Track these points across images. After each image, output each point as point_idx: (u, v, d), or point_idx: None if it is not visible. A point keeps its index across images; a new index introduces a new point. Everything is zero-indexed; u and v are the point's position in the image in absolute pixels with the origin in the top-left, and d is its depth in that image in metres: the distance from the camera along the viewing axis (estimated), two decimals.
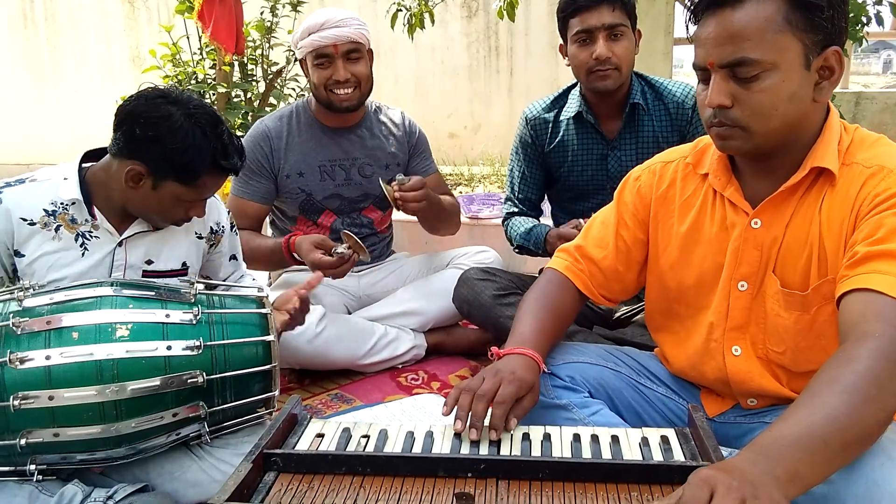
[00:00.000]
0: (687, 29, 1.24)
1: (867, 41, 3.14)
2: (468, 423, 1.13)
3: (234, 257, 1.87)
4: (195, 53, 4.61)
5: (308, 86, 2.34)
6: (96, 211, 1.56)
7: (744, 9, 1.12)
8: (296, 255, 2.16)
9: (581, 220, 1.99)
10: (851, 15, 2.78)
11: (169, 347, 1.32)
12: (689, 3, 1.22)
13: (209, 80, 4.40)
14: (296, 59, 4.42)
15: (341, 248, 2.06)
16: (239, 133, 4.20)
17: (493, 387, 1.18)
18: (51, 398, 1.24)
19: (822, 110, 1.22)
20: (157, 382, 1.30)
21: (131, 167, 1.48)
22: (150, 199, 1.52)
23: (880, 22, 3.05)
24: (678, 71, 5.50)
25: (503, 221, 2.39)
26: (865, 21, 2.94)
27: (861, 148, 1.21)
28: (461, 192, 4.20)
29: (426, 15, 3.48)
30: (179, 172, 1.49)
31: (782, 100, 1.14)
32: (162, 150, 1.46)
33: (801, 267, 1.23)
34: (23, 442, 1.25)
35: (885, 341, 0.97)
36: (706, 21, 1.17)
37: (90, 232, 1.56)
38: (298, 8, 4.54)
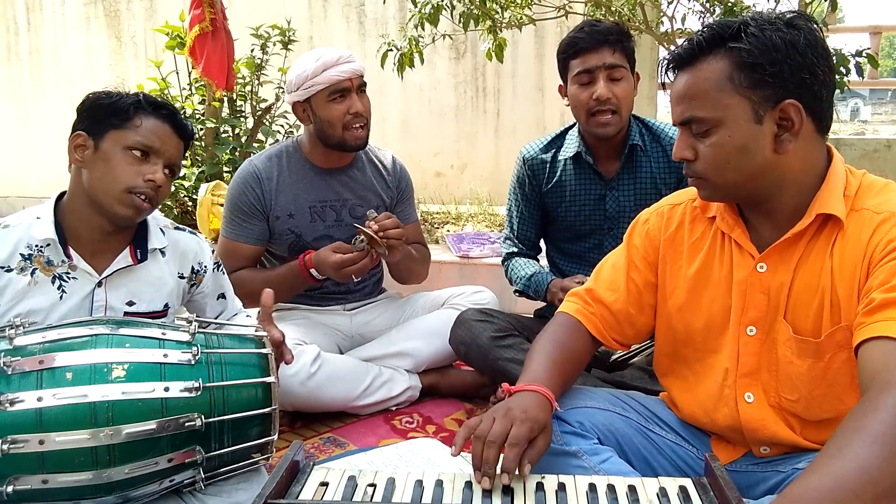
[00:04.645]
0: (663, 86, 1.31)
1: (849, 89, 3.21)
2: (482, 472, 1.10)
3: (221, 296, 1.81)
4: (184, 89, 4.60)
5: (298, 123, 2.33)
6: (72, 251, 1.52)
7: (692, 71, 1.21)
8: (313, 270, 2.16)
9: (584, 277, 1.97)
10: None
11: (167, 389, 1.27)
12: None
13: (198, 116, 4.38)
14: (282, 99, 4.47)
15: (359, 242, 2.08)
16: (226, 169, 4.22)
17: (503, 429, 1.15)
18: (41, 442, 1.18)
19: (800, 160, 1.20)
20: (154, 426, 1.24)
21: (72, 141, 1.52)
22: (98, 166, 1.50)
23: (860, 73, 3.11)
24: (659, 115, 5.58)
25: (503, 261, 2.38)
26: (845, 71, 3.00)
27: (870, 194, 1.22)
28: (449, 231, 4.18)
29: (416, 55, 3.50)
30: (111, 116, 1.51)
31: (732, 153, 1.19)
32: (90, 106, 1.53)
33: (813, 314, 1.22)
34: (10, 489, 1.18)
35: None
36: (672, 82, 1.26)
37: (67, 273, 1.51)
38: (289, 46, 4.55)
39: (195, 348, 1.34)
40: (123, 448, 1.22)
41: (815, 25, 1.19)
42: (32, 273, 1.48)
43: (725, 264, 1.32)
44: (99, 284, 1.53)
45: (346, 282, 2.20)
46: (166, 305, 1.63)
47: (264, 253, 2.38)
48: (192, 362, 1.32)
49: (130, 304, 1.57)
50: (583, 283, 1.88)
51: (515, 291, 2.31)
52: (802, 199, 1.22)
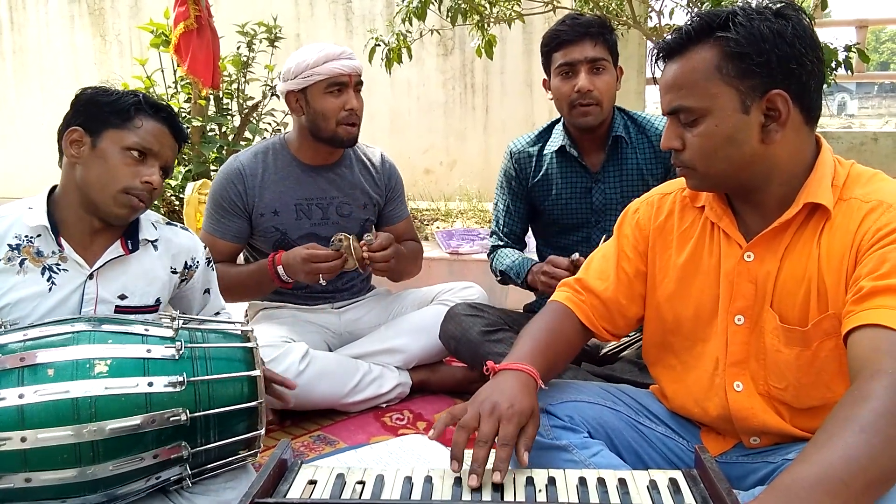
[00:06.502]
0: (654, 80, 1.30)
1: (836, 83, 3.21)
2: (470, 469, 1.08)
3: (207, 291, 1.80)
4: (170, 87, 4.57)
5: (286, 121, 2.31)
6: (63, 242, 1.49)
7: (680, 61, 1.21)
8: (280, 269, 2.12)
9: (578, 256, 1.96)
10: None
11: (150, 384, 1.25)
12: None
13: (184, 114, 4.35)
14: (272, 95, 4.45)
15: (336, 242, 2.06)
16: (213, 167, 4.19)
17: (491, 429, 1.13)
18: (23, 440, 1.16)
19: (787, 150, 1.20)
20: (138, 421, 1.23)
21: (67, 136, 1.50)
22: (95, 165, 1.48)
23: (849, 67, 3.10)
24: (648, 111, 5.59)
25: (488, 255, 2.37)
26: (834, 66, 3.00)
27: (858, 183, 1.22)
28: (439, 227, 4.17)
29: (404, 50, 3.48)
30: (111, 115, 1.49)
31: (720, 143, 1.19)
32: (91, 102, 1.51)
33: (800, 302, 1.21)
34: None
35: None
36: (662, 72, 1.26)
37: (57, 265, 1.48)
38: (276, 44, 4.53)
39: (179, 343, 1.32)
40: (107, 444, 1.21)
41: (804, 15, 1.18)
42: (21, 263, 1.46)
43: (714, 254, 1.32)
44: (90, 277, 1.51)
45: (313, 283, 2.14)
46: (157, 301, 1.61)
47: (249, 251, 2.36)
48: (176, 357, 1.30)
49: (122, 297, 1.55)
50: (572, 260, 1.86)
51: (498, 278, 2.30)
52: (790, 188, 1.22)
